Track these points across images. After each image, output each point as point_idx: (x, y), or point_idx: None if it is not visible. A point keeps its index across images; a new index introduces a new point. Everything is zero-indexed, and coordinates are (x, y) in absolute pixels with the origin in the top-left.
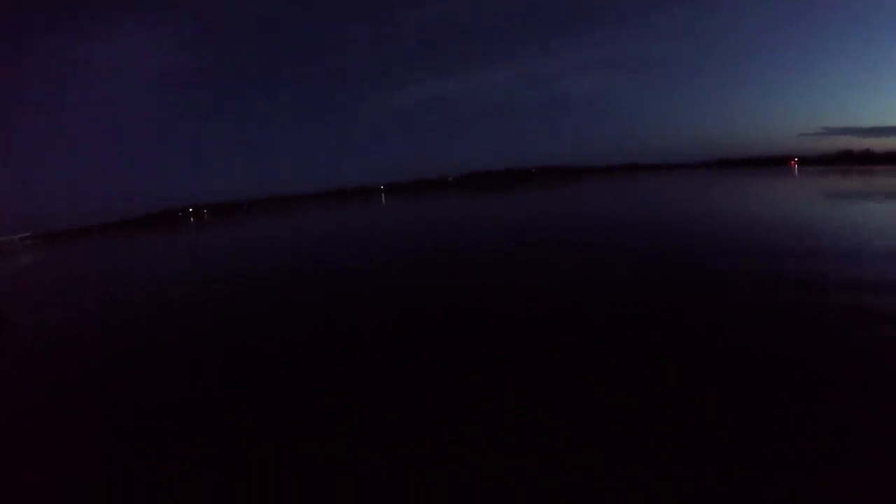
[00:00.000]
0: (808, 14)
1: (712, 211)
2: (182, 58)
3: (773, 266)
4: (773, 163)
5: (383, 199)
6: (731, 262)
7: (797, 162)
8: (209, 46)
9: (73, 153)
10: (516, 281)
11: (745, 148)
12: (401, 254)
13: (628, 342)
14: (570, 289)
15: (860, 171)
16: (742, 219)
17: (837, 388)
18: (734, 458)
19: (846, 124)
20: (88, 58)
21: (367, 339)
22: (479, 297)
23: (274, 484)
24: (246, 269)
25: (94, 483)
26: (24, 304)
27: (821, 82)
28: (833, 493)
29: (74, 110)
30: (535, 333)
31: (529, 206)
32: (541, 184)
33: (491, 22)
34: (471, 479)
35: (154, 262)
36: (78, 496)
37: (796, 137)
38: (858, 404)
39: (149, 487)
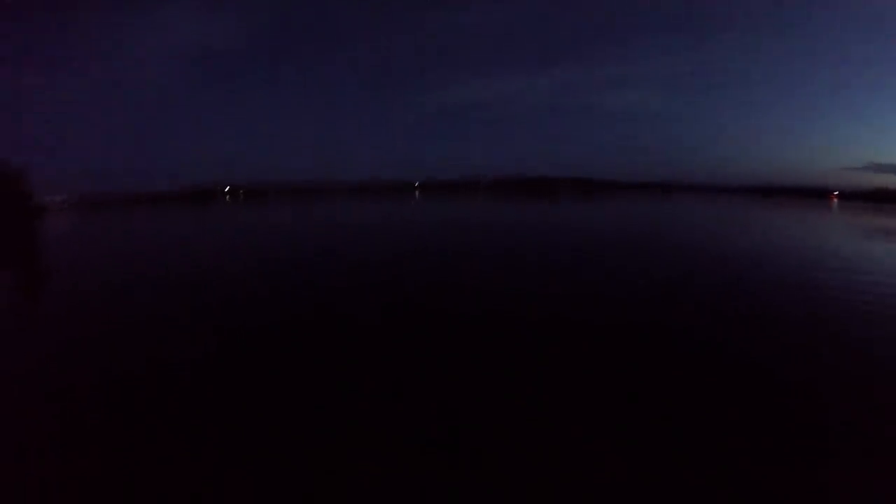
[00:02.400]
0: (863, 47)
1: (746, 242)
2: (223, 40)
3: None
4: (814, 195)
5: (417, 195)
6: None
7: (837, 196)
8: (250, 31)
9: (111, 126)
10: (536, 290)
11: (785, 176)
12: (425, 252)
13: (635, 359)
14: (589, 303)
15: None
16: (776, 254)
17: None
18: (738, 457)
19: (893, 161)
20: (132, 33)
21: (372, 333)
22: (494, 302)
23: (268, 471)
24: (273, 252)
25: (86, 449)
26: (64, 262)
27: (870, 116)
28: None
29: (115, 84)
30: (543, 339)
31: (559, 219)
32: (573, 195)
33: (536, 29)
34: (471, 475)
35: (183, 238)
36: (74, 457)
37: (840, 170)
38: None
39: (139, 463)
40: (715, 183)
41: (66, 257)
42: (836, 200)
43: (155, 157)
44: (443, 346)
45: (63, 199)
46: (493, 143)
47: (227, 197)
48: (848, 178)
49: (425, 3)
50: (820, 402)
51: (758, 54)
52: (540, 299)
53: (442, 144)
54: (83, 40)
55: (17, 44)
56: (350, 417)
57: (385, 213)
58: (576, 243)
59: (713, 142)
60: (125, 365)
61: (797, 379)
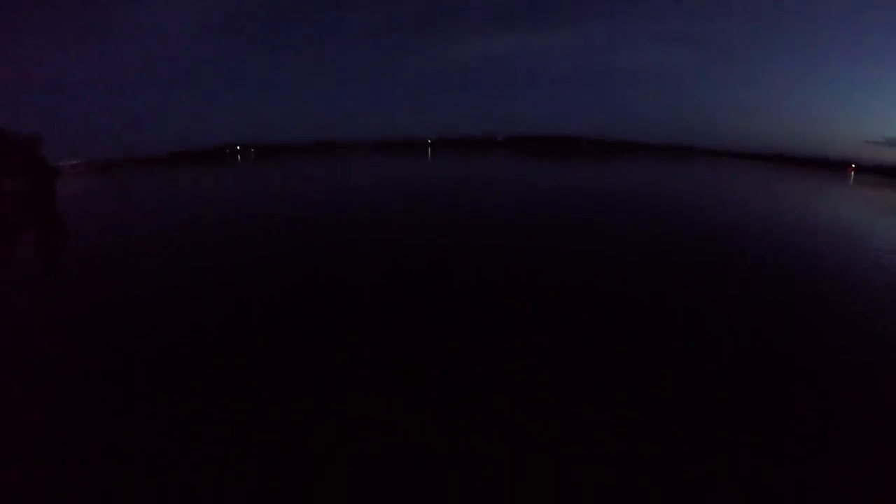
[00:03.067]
0: (887, 17)
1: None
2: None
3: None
4: (831, 166)
5: (430, 153)
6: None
7: (855, 169)
8: None
9: (122, 88)
10: (540, 257)
11: (804, 145)
12: (432, 213)
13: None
14: (594, 271)
15: None
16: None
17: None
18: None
19: None
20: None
21: (373, 297)
22: (496, 267)
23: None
24: (277, 213)
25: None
26: (82, 224)
27: (892, 89)
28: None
29: (126, 46)
30: (545, 309)
31: (579, 179)
32: (591, 155)
33: None
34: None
35: (192, 197)
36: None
37: (860, 143)
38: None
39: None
40: (732, 148)
41: (74, 220)
42: (853, 173)
43: (166, 120)
44: (441, 313)
45: (77, 163)
46: (509, 100)
47: (238, 157)
48: (867, 151)
49: None
50: (821, 385)
51: (782, 19)
52: (543, 269)
53: (456, 101)
54: (86, 8)
55: (22, 11)
56: (351, 386)
57: (394, 171)
58: (587, 208)
59: (732, 105)
60: (127, 334)
61: (800, 359)
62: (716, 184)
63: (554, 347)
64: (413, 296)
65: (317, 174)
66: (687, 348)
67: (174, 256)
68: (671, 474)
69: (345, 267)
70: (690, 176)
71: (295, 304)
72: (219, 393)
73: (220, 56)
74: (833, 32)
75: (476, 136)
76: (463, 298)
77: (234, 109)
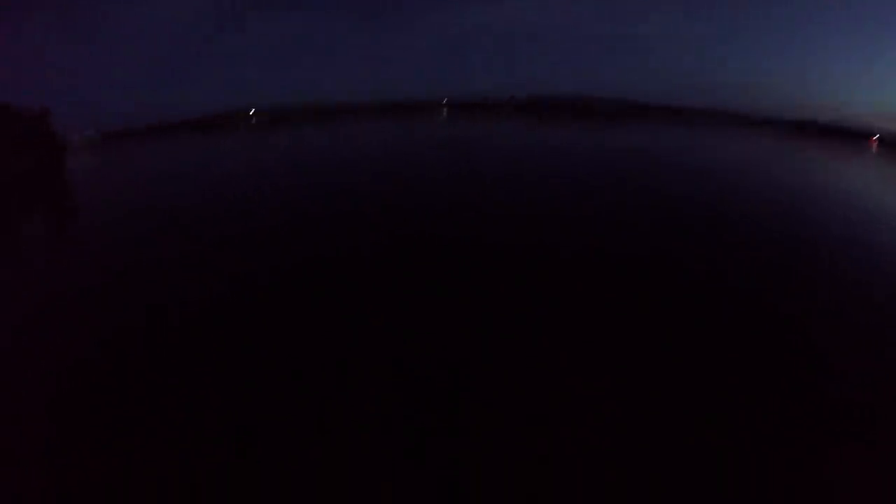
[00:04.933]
0: None
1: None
2: None
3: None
4: (852, 136)
5: (445, 114)
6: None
7: (878, 140)
8: None
9: (130, 54)
10: (540, 219)
11: (824, 112)
12: (447, 181)
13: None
14: (592, 235)
15: None
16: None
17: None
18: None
19: None
20: None
21: (375, 267)
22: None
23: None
24: (283, 183)
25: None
26: (91, 199)
27: None
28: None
29: (135, 14)
30: (544, 273)
31: (597, 145)
32: (606, 117)
33: None
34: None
35: (203, 169)
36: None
37: (887, 114)
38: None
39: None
40: (749, 112)
41: (81, 198)
42: (875, 145)
43: (177, 87)
44: (442, 282)
45: (88, 135)
46: (523, 64)
47: (254, 120)
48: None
49: None
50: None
51: None
52: (541, 230)
53: (471, 63)
54: None
55: None
56: (352, 359)
57: (404, 134)
58: (595, 169)
59: (747, 69)
60: (128, 313)
61: (831, 347)
62: (735, 153)
63: (552, 315)
64: (410, 267)
65: (330, 141)
66: (700, 325)
67: (174, 233)
68: (674, 465)
69: (343, 237)
70: (707, 143)
71: (298, 283)
72: (215, 383)
73: (224, 14)
74: (856, 4)
75: (491, 98)
76: (457, 265)
77: (247, 73)
